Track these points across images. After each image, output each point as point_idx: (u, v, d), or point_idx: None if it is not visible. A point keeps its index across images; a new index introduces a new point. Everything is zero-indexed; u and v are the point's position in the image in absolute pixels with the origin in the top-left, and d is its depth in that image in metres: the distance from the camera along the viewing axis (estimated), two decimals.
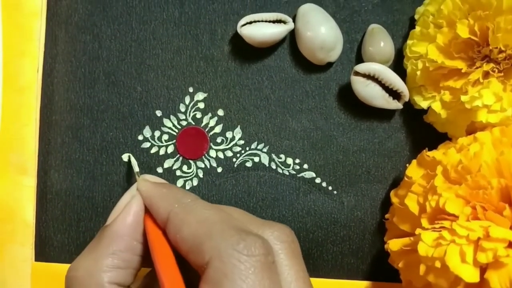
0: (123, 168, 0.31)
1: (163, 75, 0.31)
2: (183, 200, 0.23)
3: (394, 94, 0.30)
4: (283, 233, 0.23)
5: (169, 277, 0.21)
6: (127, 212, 0.24)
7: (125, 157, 0.31)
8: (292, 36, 0.31)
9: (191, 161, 0.32)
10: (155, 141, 0.32)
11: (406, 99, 0.30)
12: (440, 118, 0.29)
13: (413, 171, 0.29)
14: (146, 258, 0.24)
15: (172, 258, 0.22)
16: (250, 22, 0.30)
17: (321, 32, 0.29)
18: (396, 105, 0.30)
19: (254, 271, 0.19)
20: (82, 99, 0.31)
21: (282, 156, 0.32)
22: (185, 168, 0.32)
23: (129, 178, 0.31)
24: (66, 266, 0.31)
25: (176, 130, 0.32)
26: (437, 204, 0.26)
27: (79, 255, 0.23)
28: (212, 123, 0.32)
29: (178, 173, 0.32)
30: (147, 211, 0.24)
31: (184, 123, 0.32)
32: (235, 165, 0.32)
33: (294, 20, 0.30)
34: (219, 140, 0.32)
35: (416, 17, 0.30)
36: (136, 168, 0.28)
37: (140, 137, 0.32)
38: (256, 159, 0.32)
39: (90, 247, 0.23)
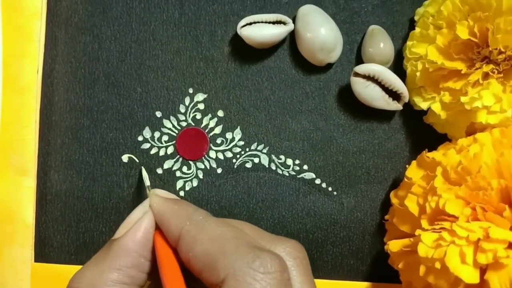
0: (123, 169, 0.31)
1: (163, 76, 0.31)
2: (195, 217, 0.23)
3: (394, 95, 0.30)
4: (295, 249, 0.23)
5: None
6: (137, 228, 0.23)
7: (124, 158, 0.31)
8: (292, 37, 0.31)
9: (191, 162, 0.32)
10: (155, 142, 0.32)
11: (406, 100, 0.30)
12: (440, 119, 0.29)
13: (413, 172, 0.29)
14: (152, 276, 0.24)
15: (180, 277, 0.22)
16: (250, 23, 0.30)
17: (321, 33, 0.29)
18: (396, 106, 0.30)
19: None
20: (82, 100, 0.31)
21: (282, 157, 0.32)
22: (185, 169, 0.32)
23: (128, 179, 0.31)
24: (65, 267, 0.31)
25: (176, 131, 0.32)
26: (437, 205, 0.26)
27: (83, 266, 0.23)
28: (212, 124, 0.32)
29: (178, 174, 0.32)
30: (158, 228, 0.24)
31: (184, 124, 0.32)
32: (235, 166, 0.32)
33: (294, 21, 0.30)
34: (219, 141, 0.32)
35: (415, 18, 0.30)
36: (147, 182, 0.28)
37: (140, 138, 0.32)
38: (256, 160, 0.32)
39: (96, 258, 0.23)
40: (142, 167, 0.30)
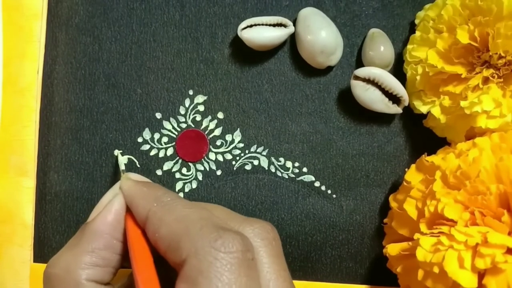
0: None
1: (163, 77, 0.31)
2: (163, 199, 0.23)
3: (394, 98, 0.30)
4: (264, 230, 0.22)
5: (144, 277, 0.21)
6: (108, 210, 0.24)
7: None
8: (292, 39, 0.31)
9: (190, 164, 0.32)
10: (154, 143, 0.32)
11: (406, 103, 0.30)
12: (439, 123, 0.29)
13: (412, 175, 0.29)
14: (126, 257, 0.24)
15: (149, 257, 0.22)
16: (251, 26, 0.30)
17: (322, 36, 0.29)
18: (396, 109, 0.30)
19: (230, 268, 0.19)
20: (82, 100, 0.32)
21: (282, 159, 0.32)
22: (184, 170, 0.32)
23: None
24: None
25: (176, 133, 0.32)
26: (435, 209, 0.26)
27: (58, 252, 0.23)
28: (211, 126, 0.32)
29: (177, 175, 0.32)
30: (128, 210, 0.24)
31: (183, 125, 0.32)
32: (235, 168, 0.32)
33: (294, 24, 0.30)
34: (218, 143, 0.32)
35: (416, 22, 0.30)
36: (122, 166, 0.28)
37: (140, 139, 0.32)
38: (256, 162, 0.32)
39: (69, 244, 0.23)
40: (119, 151, 0.30)
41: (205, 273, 0.19)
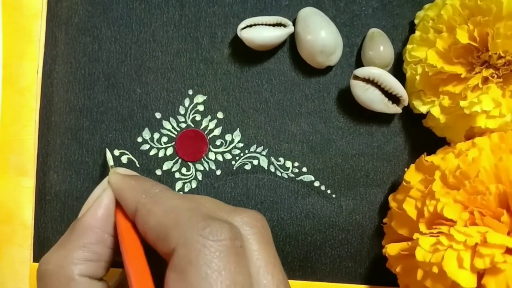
0: None
1: (163, 77, 0.31)
2: (151, 191, 0.23)
3: (394, 98, 0.30)
4: (253, 219, 0.22)
5: (136, 269, 0.21)
6: (97, 205, 0.24)
7: (124, 159, 0.31)
8: (292, 39, 0.31)
9: (190, 164, 0.32)
10: (154, 143, 0.32)
11: (405, 103, 0.30)
12: (439, 122, 0.29)
13: (412, 175, 0.29)
14: (118, 251, 0.24)
15: (140, 250, 0.22)
16: (250, 25, 0.30)
17: (321, 36, 0.29)
18: (395, 109, 0.30)
19: (219, 255, 0.19)
20: (81, 100, 0.32)
21: (281, 159, 0.32)
22: (184, 170, 0.32)
23: None
24: None
25: (176, 133, 0.32)
26: (435, 209, 0.26)
27: (51, 249, 0.23)
28: (211, 125, 0.32)
29: (177, 175, 0.32)
30: (118, 204, 0.24)
31: (183, 125, 0.32)
32: (234, 168, 0.32)
33: (294, 24, 0.30)
34: (218, 142, 0.32)
35: (416, 21, 0.30)
36: (110, 162, 0.28)
37: (139, 139, 0.32)
38: (255, 162, 0.32)
39: (61, 240, 0.24)
40: (107, 149, 0.30)
41: (194, 261, 0.19)
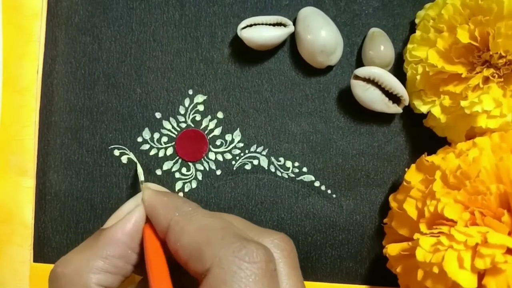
0: (122, 170, 0.31)
1: (163, 77, 0.31)
2: (184, 209, 0.23)
3: (394, 98, 0.30)
4: (282, 241, 0.23)
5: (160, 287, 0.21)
6: (128, 219, 0.24)
7: (124, 159, 0.31)
8: (292, 39, 0.31)
9: (190, 164, 0.32)
10: (154, 143, 0.32)
11: (406, 103, 0.30)
12: (439, 122, 0.29)
13: (412, 175, 0.29)
14: (137, 268, 0.24)
15: (166, 270, 0.22)
16: (251, 25, 0.30)
17: (322, 36, 0.29)
18: (396, 109, 0.30)
19: (254, 279, 0.19)
20: (81, 100, 0.31)
21: (281, 159, 0.32)
22: (184, 170, 0.32)
23: (127, 180, 0.31)
24: None
25: (176, 132, 0.32)
26: (435, 209, 0.26)
27: (70, 251, 0.23)
28: (211, 125, 0.32)
29: (177, 175, 0.32)
30: (148, 221, 0.24)
31: (183, 125, 0.32)
32: (234, 168, 0.32)
33: (294, 23, 0.30)
34: (218, 142, 0.32)
35: (416, 21, 0.30)
36: (141, 177, 0.28)
37: (139, 139, 0.32)
38: (255, 162, 0.32)
39: (83, 246, 0.23)
40: (138, 163, 0.30)
41: (229, 282, 0.19)
